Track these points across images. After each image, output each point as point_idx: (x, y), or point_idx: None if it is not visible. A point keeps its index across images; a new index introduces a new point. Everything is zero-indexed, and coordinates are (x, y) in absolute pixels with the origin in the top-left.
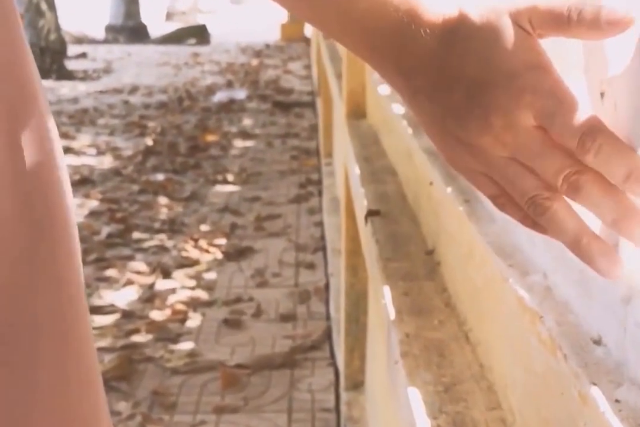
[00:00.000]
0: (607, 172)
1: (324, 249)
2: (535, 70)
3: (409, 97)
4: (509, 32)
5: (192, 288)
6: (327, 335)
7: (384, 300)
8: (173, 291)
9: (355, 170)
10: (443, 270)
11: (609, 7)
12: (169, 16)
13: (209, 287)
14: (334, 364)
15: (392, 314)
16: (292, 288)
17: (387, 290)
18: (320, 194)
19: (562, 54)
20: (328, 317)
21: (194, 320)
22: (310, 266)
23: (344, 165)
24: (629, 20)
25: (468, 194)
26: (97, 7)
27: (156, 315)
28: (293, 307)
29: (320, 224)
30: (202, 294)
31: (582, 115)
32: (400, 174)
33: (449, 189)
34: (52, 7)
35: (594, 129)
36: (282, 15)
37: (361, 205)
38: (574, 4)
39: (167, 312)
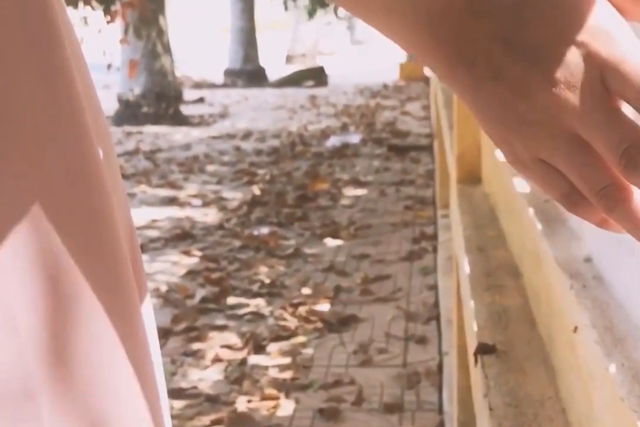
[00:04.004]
0: None
1: (437, 318)
2: (609, 31)
3: (472, 85)
4: None
5: (287, 366)
6: None
7: None
8: (265, 370)
9: (465, 267)
10: None
11: None
12: (289, 59)
13: (306, 365)
14: None
15: None
16: (399, 369)
17: None
18: (435, 250)
19: None
20: (441, 409)
21: (285, 408)
22: (422, 340)
23: (455, 246)
24: None
25: None
26: (217, 53)
27: (243, 402)
28: (400, 394)
29: (434, 288)
30: (297, 375)
31: None
32: (526, 278)
33: (613, 368)
34: (167, 52)
35: None
36: (401, 54)
37: (470, 330)
38: None
39: (256, 398)
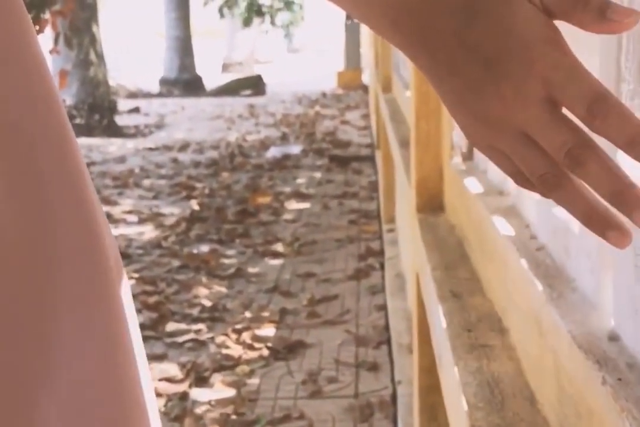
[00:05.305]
0: (613, 138)
1: (388, 342)
2: (548, 42)
3: (433, 75)
4: (521, 6)
5: (231, 400)
6: None
7: None
8: (208, 404)
9: (440, 320)
10: None
11: (616, 4)
12: (226, 67)
13: (252, 398)
14: None
15: None
16: (350, 400)
17: None
18: (382, 267)
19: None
20: None
21: None
22: (373, 367)
23: (415, 280)
24: (633, 20)
25: None
26: (152, 61)
27: None
28: None
29: (383, 308)
30: (243, 409)
31: (590, 85)
32: (513, 336)
33: None
34: (100, 61)
35: (602, 97)
36: (339, 62)
37: (457, 406)
38: None
39: None
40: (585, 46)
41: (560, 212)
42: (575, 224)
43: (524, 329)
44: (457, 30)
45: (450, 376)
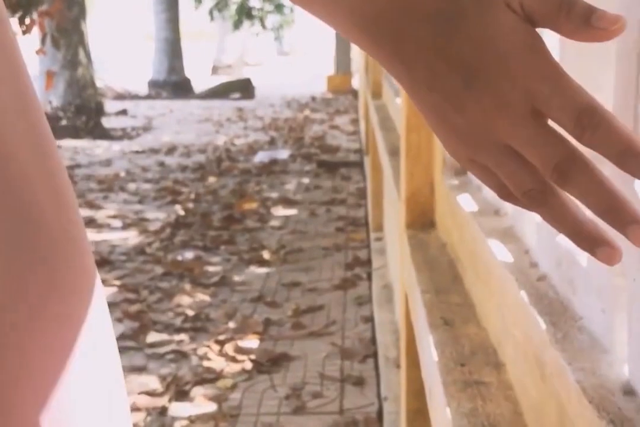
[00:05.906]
0: (603, 151)
1: (375, 355)
2: (531, 51)
3: (411, 88)
4: (501, 14)
5: (212, 416)
6: None
7: None
8: (188, 420)
9: (431, 351)
10: None
11: (602, 10)
12: (215, 70)
13: (233, 413)
14: None
15: None
16: (335, 416)
17: None
18: (369, 277)
19: None
20: None
21: None
22: (359, 382)
23: (404, 301)
24: (619, 27)
25: None
26: (141, 62)
27: None
28: None
29: (370, 320)
30: (224, 425)
31: (578, 96)
32: (510, 372)
33: None
34: (87, 62)
35: (590, 109)
36: (329, 66)
37: None
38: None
39: None
40: (599, 63)
41: (565, 241)
42: (582, 256)
43: (522, 367)
44: (435, 40)
45: (442, 417)
